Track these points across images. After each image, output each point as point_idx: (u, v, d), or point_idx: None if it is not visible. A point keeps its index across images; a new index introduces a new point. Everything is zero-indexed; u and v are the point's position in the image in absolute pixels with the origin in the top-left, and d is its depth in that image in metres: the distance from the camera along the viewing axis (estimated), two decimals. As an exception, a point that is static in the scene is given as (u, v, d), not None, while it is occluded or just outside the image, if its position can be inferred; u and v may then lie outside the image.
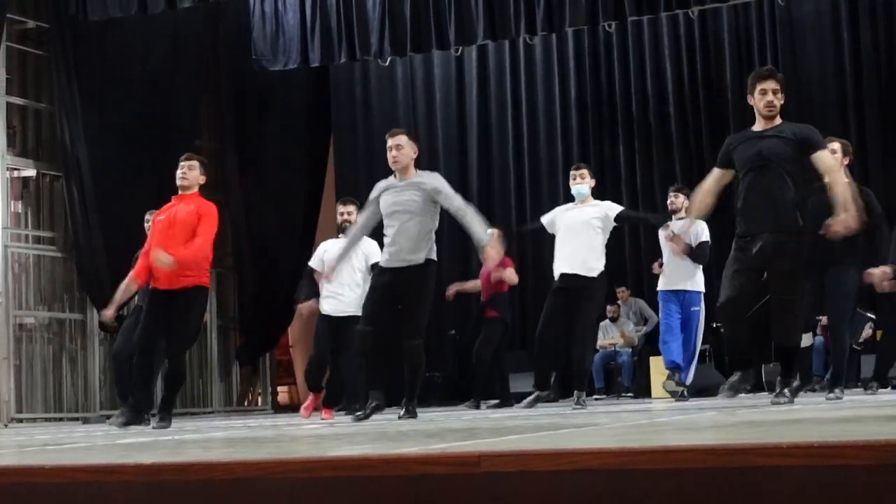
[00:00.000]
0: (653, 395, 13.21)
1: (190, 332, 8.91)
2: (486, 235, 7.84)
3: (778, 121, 7.04)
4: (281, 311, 16.09)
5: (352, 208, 9.88)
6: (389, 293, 7.84)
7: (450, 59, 16.31)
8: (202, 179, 8.87)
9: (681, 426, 4.05)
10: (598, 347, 14.35)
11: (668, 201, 10.81)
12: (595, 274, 9.31)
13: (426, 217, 7.81)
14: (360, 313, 8.85)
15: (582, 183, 9.53)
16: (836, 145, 8.23)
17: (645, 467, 2.38)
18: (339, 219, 10.08)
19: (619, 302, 14.60)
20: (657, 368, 13.53)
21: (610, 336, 14.50)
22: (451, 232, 15.85)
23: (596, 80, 15.98)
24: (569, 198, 14.20)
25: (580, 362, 9.55)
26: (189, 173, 8.77)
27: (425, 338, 8.05)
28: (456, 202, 7.90)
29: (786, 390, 6.79)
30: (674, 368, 10.55)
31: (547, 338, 9.53)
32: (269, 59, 15.50)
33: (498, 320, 12.00)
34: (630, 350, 14.32)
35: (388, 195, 7.94)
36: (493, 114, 16.53)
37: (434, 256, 7.88)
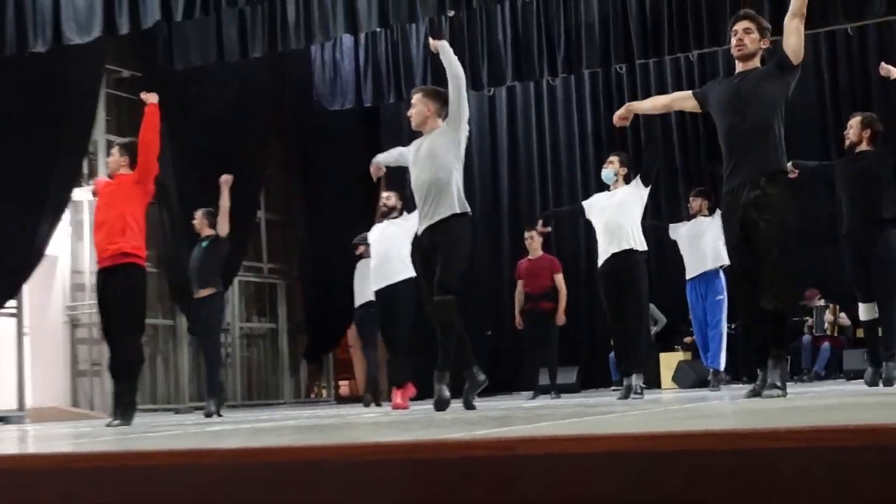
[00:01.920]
0: (662, 387, 13.18)
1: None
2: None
3: (755, 63, 6.23)
4: (340, 317, 16.11)
5: (390, 193, 9.81)
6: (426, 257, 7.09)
7: (483, 99, 16.31)
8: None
9: (690, 414, 4.01)
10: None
11: (689, 204, 10.67)
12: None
13: (450, 157, 6.98)
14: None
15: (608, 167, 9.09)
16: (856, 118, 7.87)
17: (661, 450, 2.34)
18: (381, 202, 10.01)
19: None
20: (666, 364, 13.50)
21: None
22: (483, 238, 15.98)
23: (609, 115, 15.86)
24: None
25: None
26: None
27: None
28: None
29: (777, 381, 5.59)
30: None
31: None
32: (328, 100, 15.62)
33: (552, 311, 11.52)
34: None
35: (412, 148, 7.28)
36: (520, 144, 16.56)
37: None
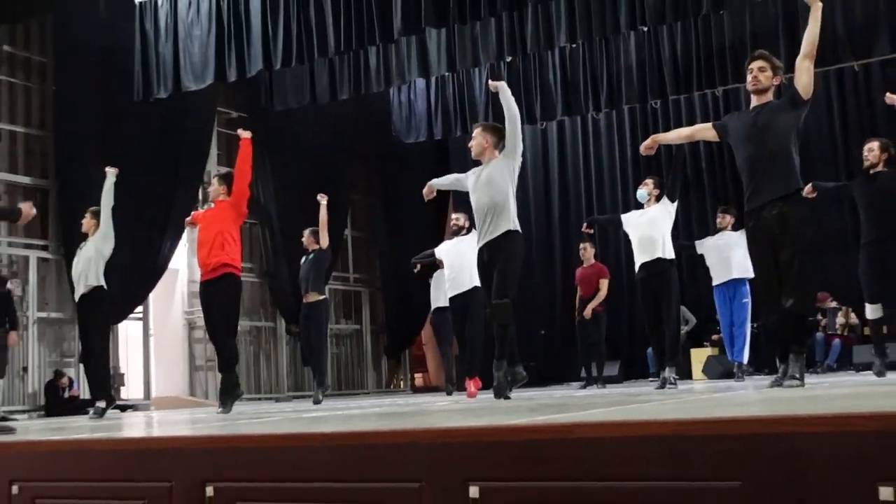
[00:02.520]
0: (693, 378, 13.02)
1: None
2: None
3: (769, 97, 5.99)
4: (415, 319, 16.19)
5: (460, 214, 9.81)
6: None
7: (536, 131, 16.28)
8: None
9: (720, 402, 3.96)
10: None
11: (717, 220, 10.53)
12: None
13: (506, 183, 6.94)
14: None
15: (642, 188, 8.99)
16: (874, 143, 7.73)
17: (696, 433, 2.32)
18: (451, 222, 10.03)
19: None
20: (696, 358, 13.34)
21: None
22: (539, 238, 15.93)
23: (646, 144, 15.84)
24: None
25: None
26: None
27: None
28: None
29: (797, 373, 5.52)
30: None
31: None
32: (405, 134, 15.68)
33: (602, 313, 11.46)
34: (675, 344, 14.03)
35: (472, 176, 7.15)
36: (569, 170, 16.50)
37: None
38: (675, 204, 8.87)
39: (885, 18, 12.08)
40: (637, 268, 8.82)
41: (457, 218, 9.87)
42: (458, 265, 9.44)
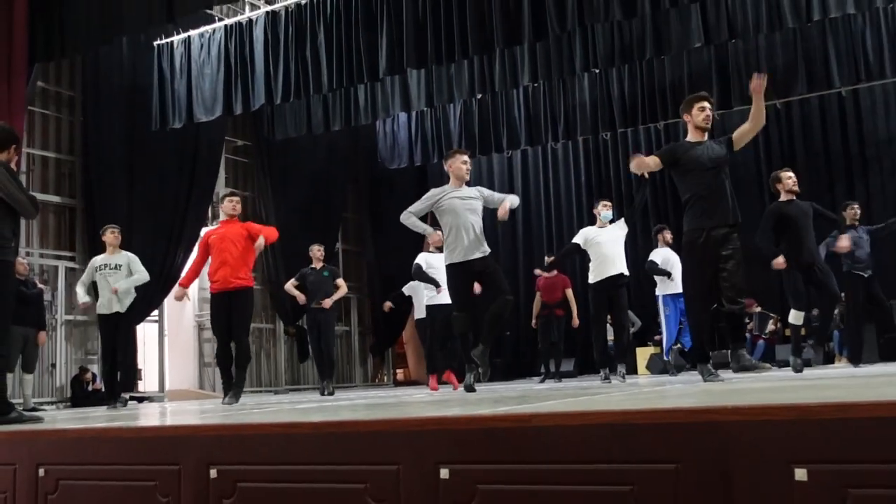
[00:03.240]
0: (639, 373, 13.04)
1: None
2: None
3: (707, 136, 5.98)
4: (398, 322, 16.14)
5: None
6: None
7: (504, 159, 16.35)
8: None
9: (661, 394, 3.97)
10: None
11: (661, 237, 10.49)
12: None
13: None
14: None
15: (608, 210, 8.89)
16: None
17: (638, 421, 2.32)
18: (437, 238, 9.94)
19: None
20: (641, 355, 13.37)
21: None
22: (504, 244, 15.95)
23: (598, 169, 15.94)
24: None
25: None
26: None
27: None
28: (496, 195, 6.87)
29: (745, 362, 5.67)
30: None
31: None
32: (389, 161, 15.69)
33: (562, 317, 11.40)
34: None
35: (456, 198, 6.85)
36: (531, 193, 16.52)
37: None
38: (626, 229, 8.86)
39: (802, 64, 12.22)
40: (599, 278, 8.62)
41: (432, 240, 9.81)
42: (440, 278, 9.43)
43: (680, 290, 9.93)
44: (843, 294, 8.51)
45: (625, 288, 8.74)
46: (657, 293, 10.24)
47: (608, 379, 8.28)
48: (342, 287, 10.38)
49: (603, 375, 8.43)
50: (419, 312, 10.01)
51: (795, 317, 7.83)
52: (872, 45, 11.78)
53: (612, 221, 8.80)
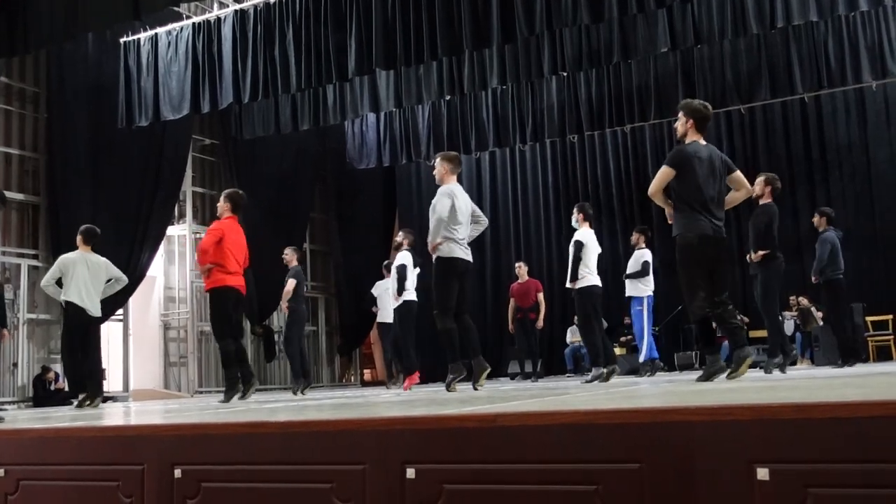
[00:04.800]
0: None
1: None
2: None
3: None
4: (365, 323, 16.08)
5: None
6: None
7: (472, 161, 16.36)
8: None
9: (626, 395, 3.99)
10: (567, 343, 14.19)
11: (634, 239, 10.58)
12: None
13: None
14: None
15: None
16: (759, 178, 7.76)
17: (602, 422, 2.33)
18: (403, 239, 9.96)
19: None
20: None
21: (577, 335, 14.28)
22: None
23: (565, 171, 15.99)
24: (550, 245, 14.19)
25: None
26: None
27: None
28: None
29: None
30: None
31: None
32: (357, 161, 15.66)
33: (534, 319, 11.55)
34: (589, 344, 14.05)
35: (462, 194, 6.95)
36: (499, 194, 16.54)
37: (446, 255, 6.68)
38: None
39: (766, 70, 12.38)
40: (593, 284, 8.80)
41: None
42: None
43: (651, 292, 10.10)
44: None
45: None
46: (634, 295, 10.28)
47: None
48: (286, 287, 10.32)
49: (606, 374, 8.48)
50: (386, 317, 10.06)
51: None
52: (834, 53, 11.96)
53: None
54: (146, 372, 13.33)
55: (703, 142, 5.75)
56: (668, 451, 2.19)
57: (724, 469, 2.11)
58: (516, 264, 12.09)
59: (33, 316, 11.58)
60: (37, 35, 10.52)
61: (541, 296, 11.59)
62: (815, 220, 8.97)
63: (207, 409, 5.61)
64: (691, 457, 2.16)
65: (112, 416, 5.36)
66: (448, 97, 13.45)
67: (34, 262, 11.70)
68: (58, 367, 11.50)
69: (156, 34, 11.63)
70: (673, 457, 2.18)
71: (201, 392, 13.31)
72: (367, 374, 18.22)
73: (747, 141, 14.51)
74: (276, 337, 15.27)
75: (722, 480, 2.11)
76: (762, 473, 2.06)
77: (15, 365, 11.25)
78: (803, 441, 2.05)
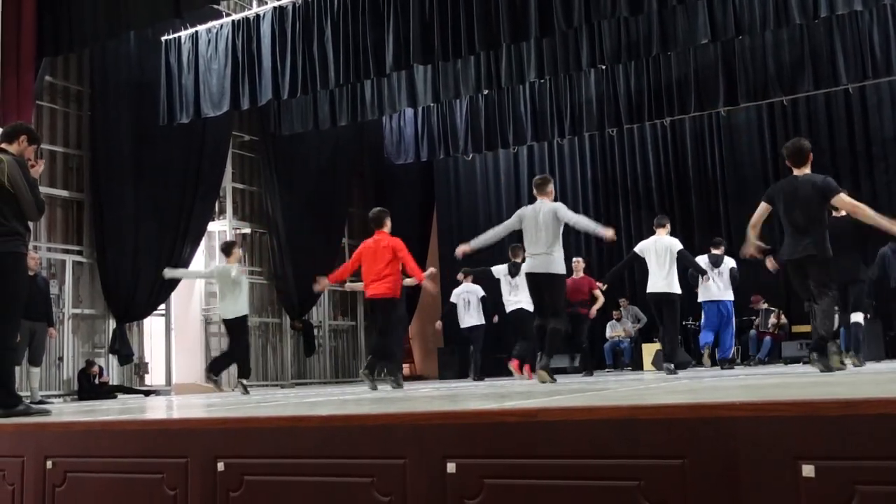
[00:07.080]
0: (644, 369, 13.01)
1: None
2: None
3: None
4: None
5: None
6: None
7: (510, 155, 16.31)
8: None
9: (667, 390, 3.95)
10: (607, 338, 14.11)
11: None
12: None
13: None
14: None
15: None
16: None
17: (645, 417, 2.32)
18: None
19: (622, 308, 14.33)
20: (647, 352, 13.35)
21: (616, 330, 14.22)
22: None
23: (604, 165, 15.87)
24: (589, 239, 14.08)
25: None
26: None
27: None
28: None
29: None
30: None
31: None
32: (395, 156, 15.68)
33: (585, 315, 11.46)
34: (629, 340, 14.02)
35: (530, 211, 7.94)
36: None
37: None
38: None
39: (809, 61, 12.18)
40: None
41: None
42: None
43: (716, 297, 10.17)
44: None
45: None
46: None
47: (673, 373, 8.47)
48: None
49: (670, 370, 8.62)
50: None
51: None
52: (879, 42, 11.73)
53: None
54: (188, 366, 13.48)
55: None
56: (712, 447, 2.17)
57: (769, 465, 2.09)
58: (574, 259, 11.91)
59: (78, 311, 11.78)
60: (80, 34, 10.70)
61: (597, 292, 11.54)
62: None
63: (248, 403, 5.66)
64: (735, 453, 2.14)
65: (156, 409, 5.44)
66: (486, 91, 13.41)
67: (79, 258, 11.90)
68: (102, 361, 11.70)
69: (196, 32, 11.75)
70: (716, 453, 2.16)
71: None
72: (406, 368, 18.27)
73: (790, 133, 14.22)
74: (314, 332, 15.37)
75: (766, 477, 2.09)
76: (807, 470, 2.03)
77: (60, 359, 11.46)
78: (851, 438, 2.02)
